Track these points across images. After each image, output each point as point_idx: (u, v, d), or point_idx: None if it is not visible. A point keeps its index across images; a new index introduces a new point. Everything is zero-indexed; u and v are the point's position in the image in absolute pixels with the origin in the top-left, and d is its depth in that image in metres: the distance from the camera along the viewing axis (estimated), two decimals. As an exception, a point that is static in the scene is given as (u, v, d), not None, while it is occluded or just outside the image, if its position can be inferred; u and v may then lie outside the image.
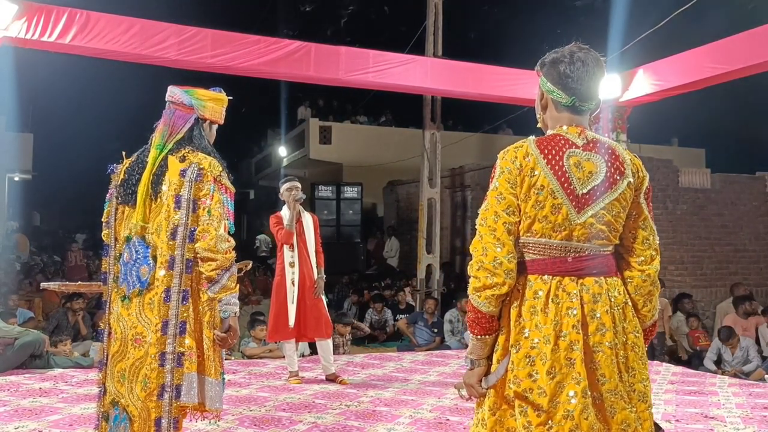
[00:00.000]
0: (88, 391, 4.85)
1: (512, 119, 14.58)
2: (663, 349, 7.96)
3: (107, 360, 2.60)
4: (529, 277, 1.93)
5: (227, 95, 2.79)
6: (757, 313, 8.19)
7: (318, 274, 5.41)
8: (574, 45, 2.01)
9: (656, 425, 2.01)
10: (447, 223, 13.55)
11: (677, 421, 4.32)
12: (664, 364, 6.65)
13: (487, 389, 1.95)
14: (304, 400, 4.77)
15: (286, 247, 5.36)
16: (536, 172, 1.91)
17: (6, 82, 12.06)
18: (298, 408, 4.52)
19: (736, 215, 10.72)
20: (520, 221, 1.93)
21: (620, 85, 7.13)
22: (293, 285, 5.27)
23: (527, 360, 1.87)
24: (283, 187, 5.46)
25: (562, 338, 1.86)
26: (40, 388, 4.96)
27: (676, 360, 7.64)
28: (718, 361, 7.05)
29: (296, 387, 5.22)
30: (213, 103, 2.70)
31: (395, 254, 14.53)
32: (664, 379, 5.73)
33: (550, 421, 1.83)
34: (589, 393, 1.84)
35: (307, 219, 5.50)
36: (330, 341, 5.50)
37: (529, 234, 1.94)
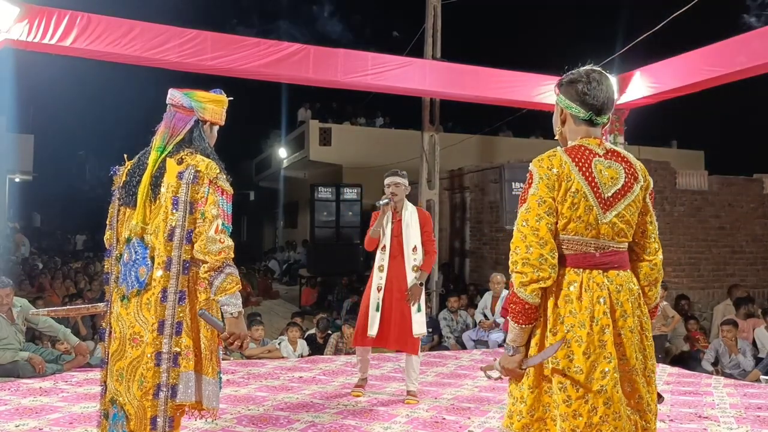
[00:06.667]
0: (88, 390, 4.89)
1: (511, 121, 14.63)
2: (663, 352, 7.97)
3: (108, 359, 2.64)
4: (563, 270, 2.18)
5: (228, 97, 2.80)
6: (756, 315, 8.22)
7: (417, 279, 4.73)
8: (589, 67, 2.27)
9: (658, 395, 2.30)
10: (446, 224, 13.58)
11: (671, 420, 4.36)
12: (660, 364, 6.67)
13: (526, 369, 2.21)
14: (301, 399, 4.81)
15: (378, 249, 4.85)
16: (571, 178, 2.16)
17: (7, 84, 12.12)
18: (295, 407, 4.56)
19: (733, 217, 10.75)
20: (557, 221, 2.16)
21: (617, 87, 7.18)
22: (378, 292, 4.77)
23: (564, 343, 2.13)
24: (385, 181, 4.89)
25: (595, 323, 2.12)
26: (41, 387, 4.99)
27: (673, 360, 7.65)
28: (716, 363, 7.08)
29: (294, 387, 5.23)
30: (213, 105, 2.73)
31: None
32: (659, 380, 5.73)
33: (587, 395, 2.09)
34: (618, 370, 2.12)
35: (409, 217, 4.83)
36: (414, 358, 4.82)
37: (564, 232, 2.18)
